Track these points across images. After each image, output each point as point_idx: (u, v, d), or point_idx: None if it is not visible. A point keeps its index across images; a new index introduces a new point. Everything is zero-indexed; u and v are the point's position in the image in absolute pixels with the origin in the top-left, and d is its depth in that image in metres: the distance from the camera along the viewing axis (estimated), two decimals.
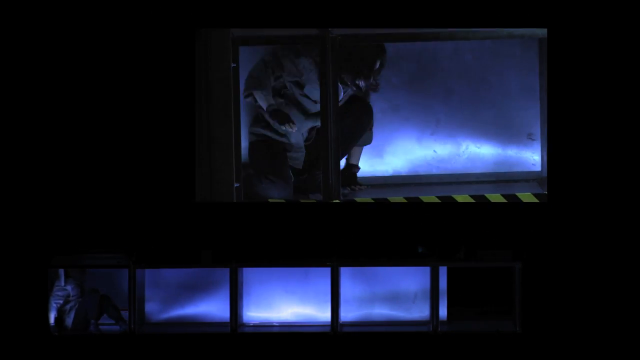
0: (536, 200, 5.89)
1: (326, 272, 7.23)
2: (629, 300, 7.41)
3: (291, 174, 6.50)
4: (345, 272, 7.35)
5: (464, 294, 7.66)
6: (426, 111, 5.99)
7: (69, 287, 7.24)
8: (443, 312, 7.36)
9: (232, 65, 5.58)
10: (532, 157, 6.00)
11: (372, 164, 6.07)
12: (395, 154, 6.05)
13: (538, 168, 5.97)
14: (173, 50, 5.98)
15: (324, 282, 7.31)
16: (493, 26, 5.33)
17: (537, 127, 5.94)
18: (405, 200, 6.07)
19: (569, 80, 5.68)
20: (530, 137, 5.89)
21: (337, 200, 6.07)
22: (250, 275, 7.43)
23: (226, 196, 5.84)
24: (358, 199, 6.19)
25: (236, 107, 5.63)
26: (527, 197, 5.76)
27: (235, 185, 5.88)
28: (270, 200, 6.33)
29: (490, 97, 5.94)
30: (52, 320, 7.14)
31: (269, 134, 6.59)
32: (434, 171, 6.02)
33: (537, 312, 7.32)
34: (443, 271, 7.32)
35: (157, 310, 7.41)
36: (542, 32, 5.48)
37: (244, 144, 6.32)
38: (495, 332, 7.14)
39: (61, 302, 7.20)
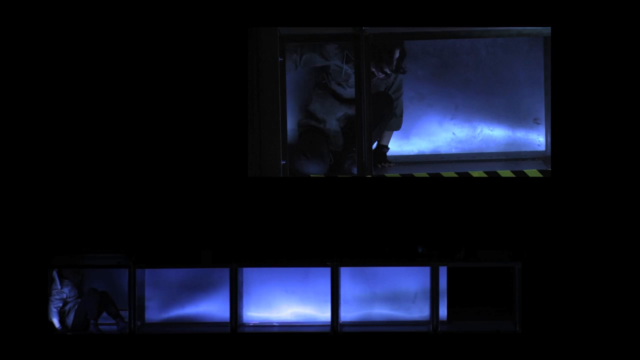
0: (541, 176, 6.52)
1: (326, 272, 7.23)
2: (629, 300, 7.41)
3: (330, 154, 7.18)
4: (345, 272, 7.35)
5: (464, 294, 7.66)
6: (446, 99, 6.68)
7: (65, 289, 7.22)
8: (443, 312, 7.36)
9: (279, 59, 6.31)
10: (537, 139, 6.65)
11: (399, 144, 6.79)
12: (420, 135, 6.73)
13: (543, 148, 6.61)
14: (229, 46, 6.82)
15: (324, 282, 7.31)
16: (505, 25, 6.12)
17: (542, 113, 6.56)
18: (427, 176, 6.73)
19: (569, 72, 6.37)
20: (536, 122, 6.54)
21: (370, 176, 6.76)
22: (250, 275, 7.43)
23: (274, 172, 6.62)
24: (387, 175, 6.84)
25: (283, 95, 6.38)
26: (533, 173, 6.40)
27: (282, 162, 6.62)
28: (311, 175, 7.06)
29: (501, 87, 6.61)
30: (56, 324, 7.12)
31: (312, 122, 7.26)
32: (453, 151, 6.71)
33: (537, 312, 7.33)
34: (443, 271, 7.32)
35: (157, 310, 7.41)
36: (546, 30, 6.21)
37: (290, 126, 7.03)
38: (495, 332, 7.14)
39: (60, 304, 7.19)
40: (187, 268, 7.33)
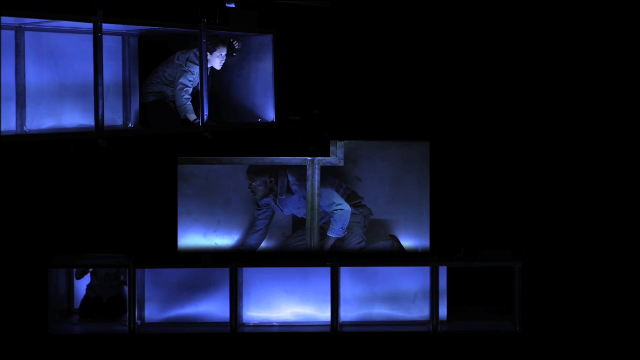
0: None
1: (326, 272, 7.23)
2: (629, 299, 7.42)
3: None
4: (345, 272, 7.35)
5: (464, 294, 7.66)
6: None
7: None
8: (443, 312, 7.36)
9: None
10: None
11: None
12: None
13: None
14: None
15: (324, 282, 7.31)
16: None
17: None
18: None
19: None
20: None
21: None
22: (250, 275, 7.43)
23: None
24: None
25: None
26: None
27: None
28: None
29: None
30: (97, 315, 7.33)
31: None
32: None
33: (537, 312, 7.33)
34: (443, 271, 7.33)
35: (157, 310, 7.41)
36: None
37: None
38: (495, 332, 7.14)
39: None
40: (187, 268, 7.33)
